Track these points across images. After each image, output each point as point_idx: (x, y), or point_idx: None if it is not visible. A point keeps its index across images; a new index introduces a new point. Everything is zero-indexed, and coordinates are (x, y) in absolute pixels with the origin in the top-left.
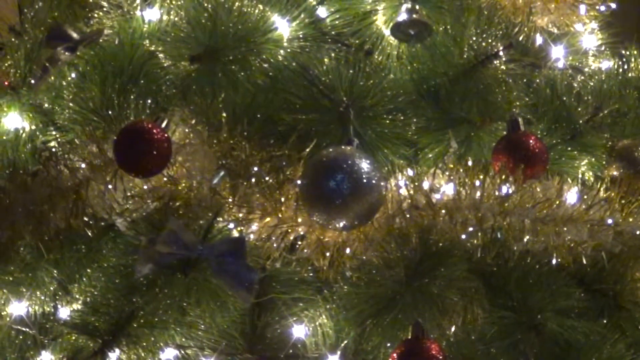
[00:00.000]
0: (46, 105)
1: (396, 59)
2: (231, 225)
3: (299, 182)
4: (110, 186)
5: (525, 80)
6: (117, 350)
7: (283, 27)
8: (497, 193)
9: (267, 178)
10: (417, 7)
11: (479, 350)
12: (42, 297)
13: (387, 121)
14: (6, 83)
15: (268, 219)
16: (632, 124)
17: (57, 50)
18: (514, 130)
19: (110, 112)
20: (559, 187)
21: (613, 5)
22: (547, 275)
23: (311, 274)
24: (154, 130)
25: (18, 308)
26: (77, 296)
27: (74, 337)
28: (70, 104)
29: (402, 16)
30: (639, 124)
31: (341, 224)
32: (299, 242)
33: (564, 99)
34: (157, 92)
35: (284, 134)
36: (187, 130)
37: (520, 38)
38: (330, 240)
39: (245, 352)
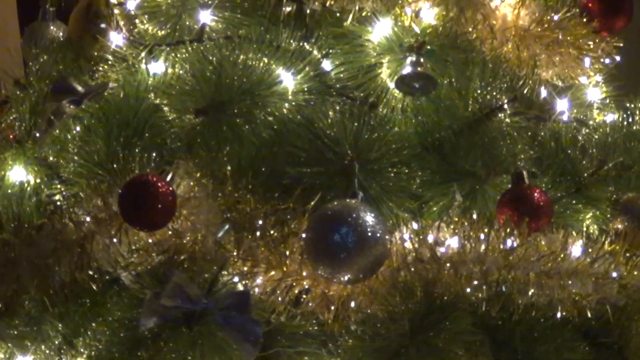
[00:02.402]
0: (51, 158)
1: (401, 112)
2: (236, 279)
3: (303, 235)
4: (115, 240)
5: (529, 133)
6: None
7: (288, 80)
8: (501, 246)
9: (271, 231)
10: (422, 60)
11: None
12: (47, 351)
13: (392, 174)
14: (11, 136)
15: (273, 273)
16: (637, 177)
17: (62, 104)
18: (519, 184)
19: (115, 166)
20: (564, 240)
21: (618, 58)
22: (552, 329)
23: (316, 328)
24: (159, 184)
25: None
26: (82, 350)
27: None
28: (75, 157)
29: (407, 69)
30: None
31: (346, 278)
32: (304, 296)
33: (569, 152)
34: (162, 145)
35: (288, 187)
36: (192, 183)
37: (525, 91)
38: (335, 294)
39: None
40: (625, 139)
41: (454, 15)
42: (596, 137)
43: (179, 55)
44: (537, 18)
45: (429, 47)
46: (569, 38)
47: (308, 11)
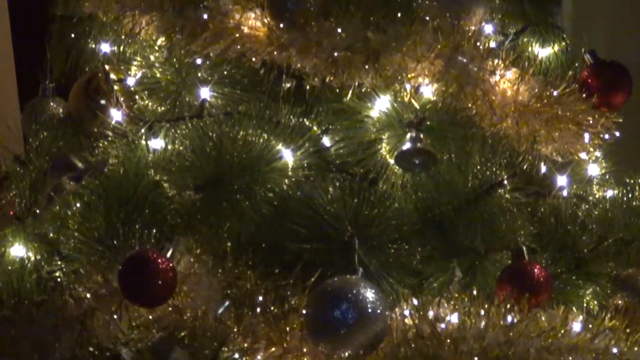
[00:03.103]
0: (51, 235)
1: (401, 188)
2: (236, 355)
3: (304, 311)
4: (115, 316)
5: (529, 208)
6: None
7: (287, 156)
8: (502, 322)
9: (272, 307)
10: (422, 136)
11: None
12: None
13: (392, 250)
14: (11, 213)
15: (273, 349)
16: (637, 252)
17: (62, 180)
18: (519, 260)
19: (115, 242)
20: (564, 316)
21: (617, 134)
22: None
23: None
24: (159, 260)
25: None
26: None
27: None
28: (75, 234)
29: (407, 145)
30: None
31: (347, 354)
32: None
33: (568, 227)
34: (162, 222)
35: (288, 263)
36: (192, 259)
37: (525, 166)
38: None
39: None
40: (625, 215)
41: (453, 92)
42: (596, 212)
43: (178, 132)
44: (536, 94)
45: (428, 123)
46: (568, 114)
47: (308, 87)
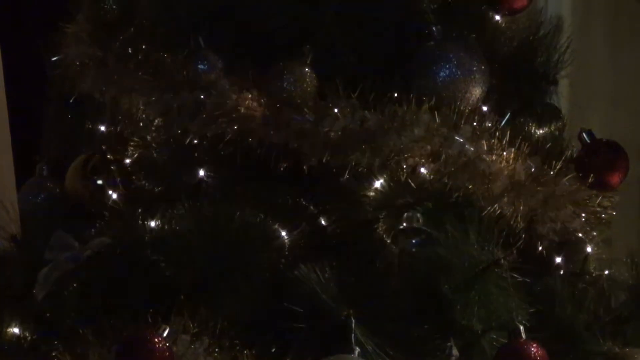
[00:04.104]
0: (48, 314)
1: (397, 267)
2: None
3: None
4: None
5: (526, 287)
6: None
7: (284, 235)
8: None
9: None
10: (419, 215)
11: None
12: None
13: (389, 330)
14: (8, 293)
15: None
16: (634, 331)
17: (59, 260)
18: (515, 339)
19: (111, 322)
20: None
21: (614, 213)
22: None
23: None
24: (155, 340)
25: None
26: None
27: None
28: (72, 314)
29: (404, 225)
30: None
31: None
32: None
33: (565, 306)
34: (158, 301)
35: (286, 342)
36: (188, 339)
37: (521, 246)
38: None
39: None
40: (622, 293)
41: (450, 171)
42: (592, 291)
43: (175, 212)
44: (533, 173)
45: (425, 203)
46: (565, 193)
47: (305, 167)
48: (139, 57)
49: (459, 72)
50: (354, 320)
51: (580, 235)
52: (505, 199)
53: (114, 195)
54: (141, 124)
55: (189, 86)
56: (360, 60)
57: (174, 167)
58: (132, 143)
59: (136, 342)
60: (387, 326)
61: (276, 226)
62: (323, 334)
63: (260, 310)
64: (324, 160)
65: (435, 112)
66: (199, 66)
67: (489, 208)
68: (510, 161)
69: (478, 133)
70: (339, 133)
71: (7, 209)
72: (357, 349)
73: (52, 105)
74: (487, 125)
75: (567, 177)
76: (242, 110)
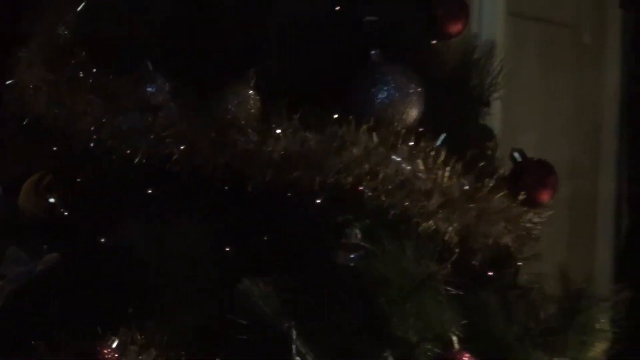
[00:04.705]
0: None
1: (337, 281)
2: None
3: None
4: None
5: (460, 300)
6: None
7: (229, 250)
8: None
9: None
10: (357, 231)
11: None
12: None
13: (329, 340)
14: None
15: None
16: (562, 342)
17: (11, 274)
18: (449, 349)
19: (59, 335)
20: None
21: (544, 229)
22: None
23: None
24: (105, 351)
25: None
26: None
27: None
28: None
29: (343, 240)
30: (573, 343)
31: None
32: None
33: (496, 318)
34: (107, 314)
35: (230, 353)
36: (136, 350)
37: (456, 260)
38: None
39: None
40: (552, 305)
41: (387, 189)
42: (523, 303)
43: (125, 228)
44: (466, 191)
45: (363, 220)
46: (497, 210)
47: (249, 186)
48: (90, 80)
49: (396, 95)
50: (294, 332)
51: (511, 249)
52: (440, 216)
53: (66, 213)
54: (92, 145)
55: (138, 108)
56: (302, 83)
57: (124, 185)
58: (84, 162)
59: (86, 354)
60: (327, 337)
61: (221, 242)
62: (266, 345)
63: (205, 323)
64: (267, 179)
65: (374, 133)
66: (148, 89)
67: (424, 224)
68: (445, 179)
69: (414, 152)
70: (281, 153)
71: None
72: (298, 359)
73: (6, 127)
74: (422, 145)
75: (499, 195)
76: (189, 131)
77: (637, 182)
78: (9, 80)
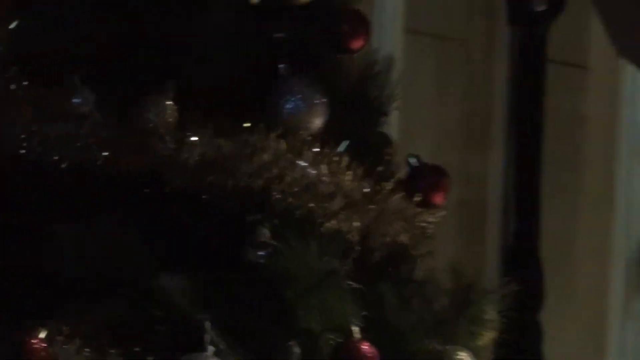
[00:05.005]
0: None
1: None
2: None
3: None
4: None
5: (360, 294)
6: None
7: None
8: None
9: None
10: (266, 231)
11: None
12: None
13: (240, 331)
14: None
15: None
16: (453, 330)
17: None
18: (349, 338)
19: None
20: None
21: (437, 228)
22: None
23: None
24: (32, 341)
25: None
26: None
27: None
28: None
29: (253, 239)
30: (464, 332)
31: None
32: None
33: (393, 309)
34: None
35: (149, 342)
36: (62, 339)
37: (357, 257)
38: None
39: None
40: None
41: (294, 192)
42: (418, 296)
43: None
44: (366, 193)
45: (272, 220)
46: (395, 211)
47: (167, 189)
48: (21, 92)
49: (303, 105)
50: (208, 323)
51: (408, 247)
52: (342, 216)
53: None
54: (22, 152)
55: (66, 118)
56: (217, 93)
57: (50, 190)
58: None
59: (18, 343)
60: (238, 328)
61: (142, 240)
62: (182, 335)
63: (128, 315)
64: (184, 183)
65: (282, 140)
66: (74, 100)
67: (327, 224)
68: (347, 183)
69: (319, 158)
70: (197, 159)
71: None
72: (212, 348)
73: None
74: (326, 151)
75: (396, 197)
76: (112, 139)
77: (523, 186)
78: None
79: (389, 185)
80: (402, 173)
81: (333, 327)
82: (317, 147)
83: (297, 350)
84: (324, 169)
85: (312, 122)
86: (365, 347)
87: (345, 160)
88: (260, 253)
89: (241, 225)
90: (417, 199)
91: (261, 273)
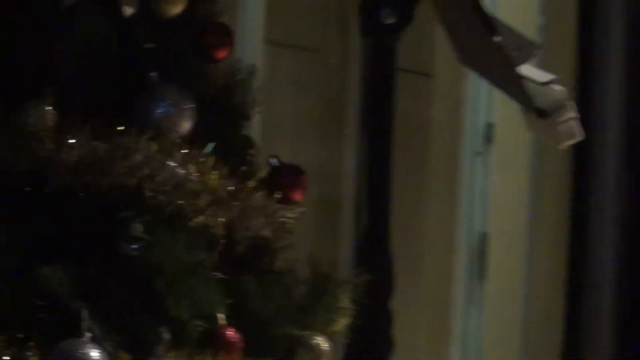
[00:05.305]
0: None
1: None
2: None
3: None
4: None
5: (226, 284)
6: None
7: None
8: None
9: None
10: (139, 225)
11: None
12: None
13: (115, 318)
14: None
15: None
16: (313, 317)
17: None
18: (215, 325)
19: None
20: None
21: (296, 222)
22: None
23: None
24: None
25: None
26: None
27: None
28: None
29: (127, 233)
30: (321, 318)
31: None
32: None
33: (257, 299)
34: None
35: (30, 330)
36: None
37: (223, 250)
38: None
39: None
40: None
41: (163, 189)
42: (279, 285)
43: None
44: (231, 191)
45: (144, 216)
46: (257, 207)
47: (48, 188)
48: None
49: (172, 110)
50: (85, 311)
51: (269, 240)
52: (209, 212)
53: None
54: None
55: None
56: (93, 99)
57: None
58: None
59: None
60: (113, 316)
61: (25, 235)
62: (61, 322)
63: (10, 304)
64: (63, 183)
65: (153, 142)
66: None
67: (195, 219)
68: (213, 181)
69: (187, 159)
70: (75, 160)
71: None
72: (88, 334)
73: None
74: (194, 152)
75: (258, 194)
76: None
77: (374, 184)
78: None
79: (251, 184)
80: (263, 172)
81: (200, 314)
82: (186, 149)
83: (167, 335)
84: (192, 168)
85: (181, 126)
86: (230, 332)
87: (212, 160)
88: (133, 246)
89: (116, 221)
90: (277, 196)
91: (134, 265)
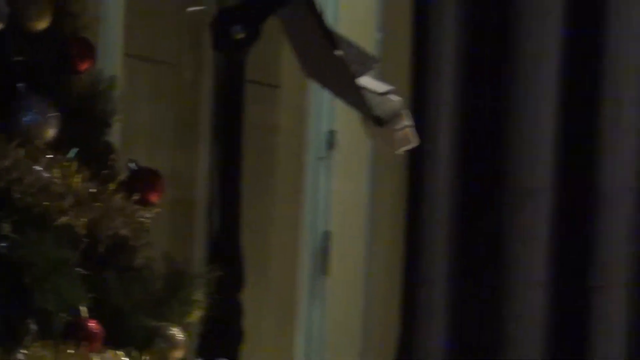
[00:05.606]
0: None
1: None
2: None
3: None
4: None
5: (89, 279)
6: None
7: None
8: None
9: None
10: (7, 225)
11: None
12: None
13: None
14: None
15: None
16: (169, 310)
17: None
18: (79, 318)
19: None
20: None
21: (152, 222)
22: None
23: None
24: None
25: None
26: None
27: None
28: None
29: None
30: (177, 311)
31: None
32: None
33: (117, 293)
34: None
35: None
36: None
37: (86, 248)
38: None
39: None
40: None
41: (32, 192)
42: (138, 280)
43: None
44: (93, 193)
45: (13, 216)
46: (117, 208)
47: None
48: None
49: (38, 118)
50: None
51: (129, 239)
52: (73, 212)
53: None
54: None
55: None
56: None
57: None
58: None
59: None
60: None
61: None
62: None
63: None
64: None
65: (21, 148)
66: None
67: (60, 219)
68: (76, 184)
69: (52, 163)
70: None
71: None
72: None
73: None
74: (59, 157)
75: (118, 196)
76: None
77: (225, 188)
78: None
79: (112, 186)
80: (123, 176)
81: (65, 307)
82: (51, 154)
83: (33, 327)
84: (56, 172)
85: (47, 133)
86: (92, 324)
87: (75, 165)
88: (2, 244)
89: None
90: (135, 197)
91: (2, 262)
